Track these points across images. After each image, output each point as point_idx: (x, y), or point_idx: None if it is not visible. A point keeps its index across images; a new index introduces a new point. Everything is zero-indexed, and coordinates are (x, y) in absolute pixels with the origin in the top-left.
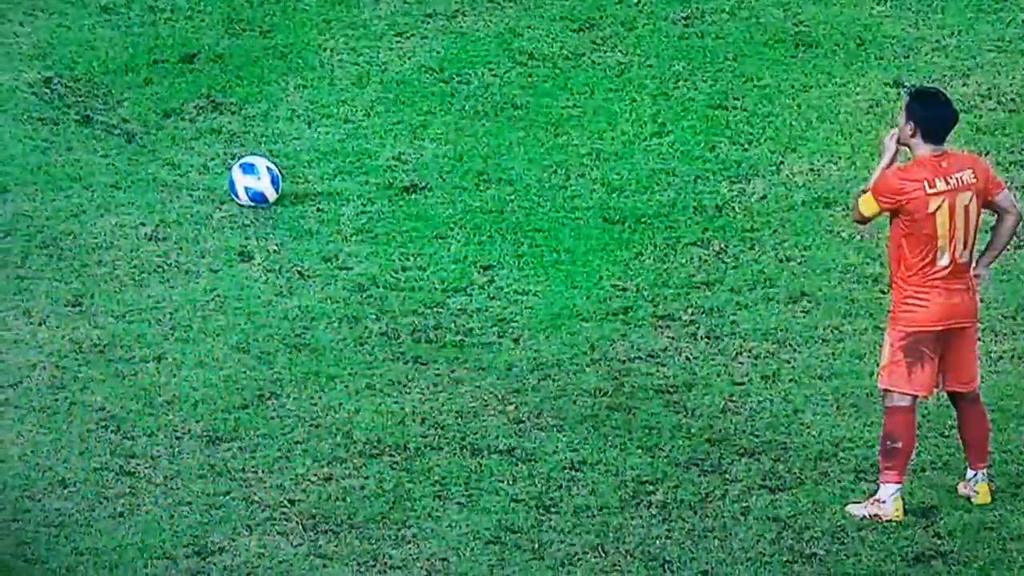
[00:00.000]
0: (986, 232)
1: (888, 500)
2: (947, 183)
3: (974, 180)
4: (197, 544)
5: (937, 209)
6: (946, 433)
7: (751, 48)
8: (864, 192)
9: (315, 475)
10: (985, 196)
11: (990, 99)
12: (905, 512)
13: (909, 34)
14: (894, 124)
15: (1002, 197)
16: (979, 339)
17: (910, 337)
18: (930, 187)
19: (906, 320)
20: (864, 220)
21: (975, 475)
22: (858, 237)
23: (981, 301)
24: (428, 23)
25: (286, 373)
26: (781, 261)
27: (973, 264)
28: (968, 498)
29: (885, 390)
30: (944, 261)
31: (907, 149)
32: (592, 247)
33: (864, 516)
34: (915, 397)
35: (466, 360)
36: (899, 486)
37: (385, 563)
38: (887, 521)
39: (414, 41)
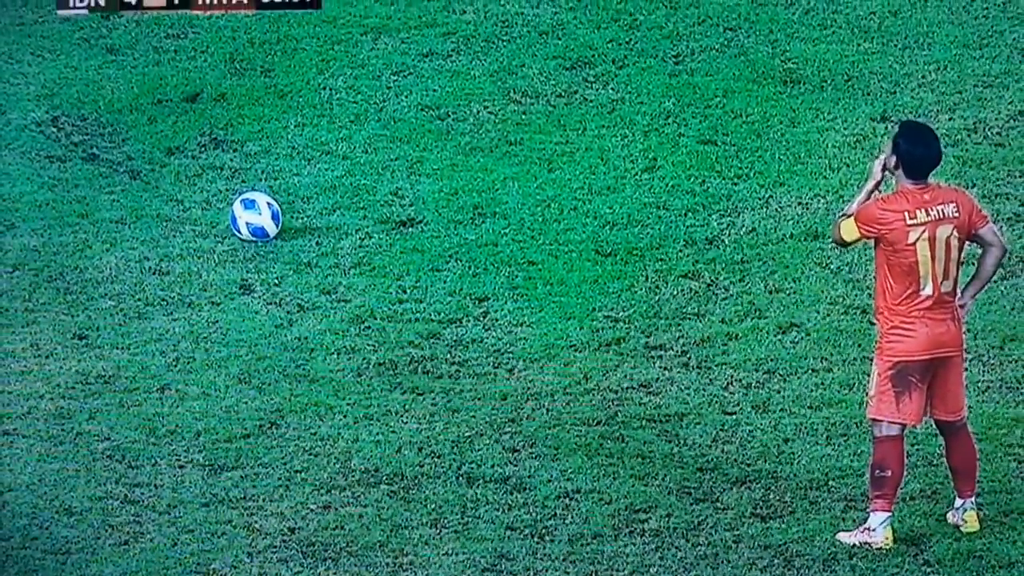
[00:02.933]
0: (970, 264)
1: (878, 528)
2: (928, 214)
3: (956, 214)
4: (199, 571)
5: (917, 240)
6: (935, 462)
7: (740, 85)
8: (846, 216)
9: (315, 503)
10: (969, 230)
11: (976, 133)
12: (895, 540)
13: (895, 70)
14: (881, 154)
15: (986, 230)
16: (966, 369)
17: (897, 367)
18: (910, 218)
19: (892, 350)
20: (844, 244)
21: (963, 503)
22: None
23: (968, 331)
24: (425, 62)
25: (286, 403)
26: (771, 292)
27: (958, 295)
28: (957, 526)
29: (873, 420)
30: (927, 291)
31: (892, 178)
32: (585, 279)
33: (854, 544)
34: (903, 426)
35: (462, 390)
36: (888, 514)
37: None
38: (877, 549)
39: (411, 80)
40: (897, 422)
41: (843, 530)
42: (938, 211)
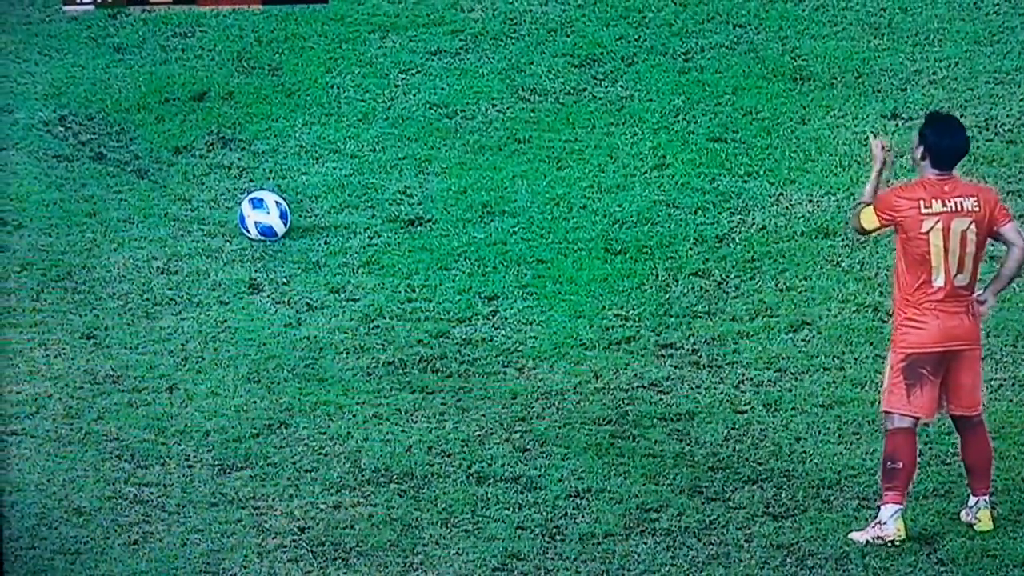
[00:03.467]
0: (988, 261)
1: (889, 521)
2: (944, 205)
3: (976, 208)
4: (209, 571)
5: (931, 230)
6: (948, 460)
7: (750, 82)
8: (865, 204)
9: (324, 503)
10: (990, 226)
11: (987, 130)
12: (907, 537)
13: (906, 67)
14: (889, 149)
15: (1008, 228)
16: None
17: (909, 359)
18: (925, 206)
19: (904, 342)
20: (864, 232)
21: (977, 501)
22: (850, 240)
23: (981, 329)
24: (433, 60)
25: (295, 402)
26: (781, 290)
27: (979, 291)
28: (970, 524)
29: (885, 412)
30: (939, 282)
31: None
32: (595, 277)
33: (867, 541)
34: (916, 419)
35: (471, 389)
36: (899, 507)
37: None
38: (889, 542)
39: (419, 78)
40: (908, 414)
41: (856, 529)
42: (955, 203)
